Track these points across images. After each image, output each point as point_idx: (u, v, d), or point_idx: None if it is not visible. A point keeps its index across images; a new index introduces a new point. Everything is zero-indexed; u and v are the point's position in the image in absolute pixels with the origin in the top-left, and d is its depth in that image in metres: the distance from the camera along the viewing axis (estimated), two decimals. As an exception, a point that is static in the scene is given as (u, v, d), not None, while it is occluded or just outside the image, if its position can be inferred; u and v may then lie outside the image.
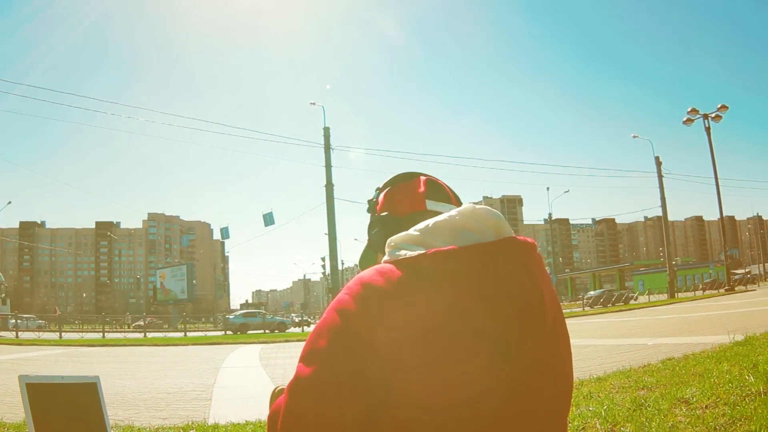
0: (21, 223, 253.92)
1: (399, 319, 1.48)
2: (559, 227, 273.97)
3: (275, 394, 1.88)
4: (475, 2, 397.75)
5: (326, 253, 50.40)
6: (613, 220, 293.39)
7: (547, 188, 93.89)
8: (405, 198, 2.00)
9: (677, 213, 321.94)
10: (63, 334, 43.19)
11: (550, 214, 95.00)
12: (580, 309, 56.24)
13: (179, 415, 8.86)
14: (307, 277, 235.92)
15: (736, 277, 79.16)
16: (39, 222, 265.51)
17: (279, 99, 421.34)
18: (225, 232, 66.13)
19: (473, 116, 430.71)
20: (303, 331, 49.89)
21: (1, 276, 51.32)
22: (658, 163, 64.10)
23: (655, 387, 7.17)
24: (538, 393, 1.58)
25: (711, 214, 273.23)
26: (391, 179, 2.09)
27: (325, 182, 43.90)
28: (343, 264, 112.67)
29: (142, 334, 48.28)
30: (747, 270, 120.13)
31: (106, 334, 46.62)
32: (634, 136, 68.48)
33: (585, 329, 26.09)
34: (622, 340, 17.60)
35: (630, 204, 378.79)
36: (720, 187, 59.07)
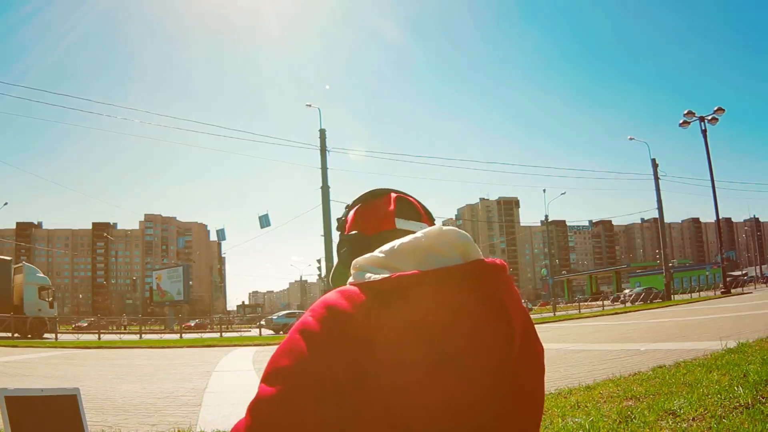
0: (18, 223, 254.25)
1: (362, 343, 1.46)
2: (555, 229, 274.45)
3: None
4: (473, 4, 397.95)
5: (322, 254, 50.37)
6: (610, 221, 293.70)
7: (544, 190, 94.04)
8: (374, 216, 1.96)
9: (674, 215, 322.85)
10: (59, 336, 43.27)
11: (546, 216, 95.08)
12: (576, 311, 56.18)
13: (168, 422, 8.82)
14: (303, 279, 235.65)
15: (731, 279, 79.27)
16: (36, 223, 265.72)
17: (276, 100, 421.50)
18: (221, 234, 66.27)
19: (470, 118, 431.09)
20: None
21: (48, 280, 51.95)
22: (655, 166, 64.24)
23: (643, 397, 7.14)
24: (504, 415, 1.56)
25: (708, 216, 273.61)
26: (360, 197, 2.05)
27: (321, 184, 43.95)
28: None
29: (138, 335, 48.26)
30: (744, 272, 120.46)
31: (101, 335, 46.69)
32: (631, 138, 68.56)
33: (579, 333, 26.09)
34: (615, 345, 17.56)
35: (627, 206, 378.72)
36: (716, 189, 59.26)
